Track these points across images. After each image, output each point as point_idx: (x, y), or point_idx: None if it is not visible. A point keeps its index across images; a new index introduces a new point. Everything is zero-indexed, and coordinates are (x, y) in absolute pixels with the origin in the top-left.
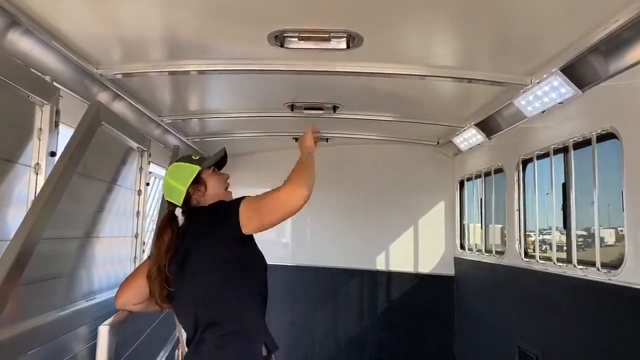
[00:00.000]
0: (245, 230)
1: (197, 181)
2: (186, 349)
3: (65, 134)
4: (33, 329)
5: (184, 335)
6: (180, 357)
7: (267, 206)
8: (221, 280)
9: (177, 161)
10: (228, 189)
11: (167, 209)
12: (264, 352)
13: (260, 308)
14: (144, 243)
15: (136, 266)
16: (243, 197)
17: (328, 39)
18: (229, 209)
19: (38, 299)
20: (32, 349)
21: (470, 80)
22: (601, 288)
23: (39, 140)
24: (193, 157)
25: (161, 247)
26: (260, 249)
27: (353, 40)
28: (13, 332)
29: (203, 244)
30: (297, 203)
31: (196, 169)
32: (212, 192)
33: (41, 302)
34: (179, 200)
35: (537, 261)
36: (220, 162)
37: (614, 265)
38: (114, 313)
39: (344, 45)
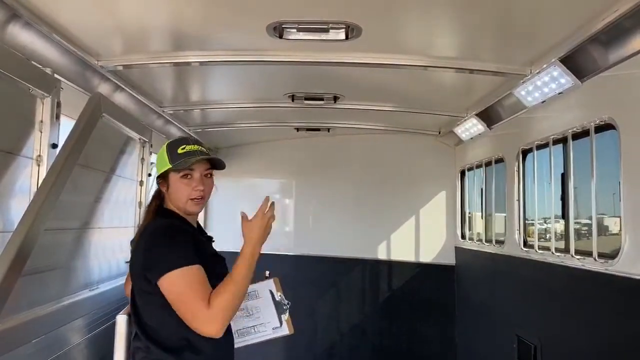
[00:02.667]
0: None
1: (164, 177)
2: None
3: (67, 126)
4: (36, 319)
5: None
6: None
7: (183, 313)
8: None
9: (168, 143)
10: (191, 202)
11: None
12: None
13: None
14: None
15: None
16: (179, 267)
17: (327, 30)
18: (160, 262)
19: (41, 289)
20: (36, 338)
21: (471, 70)
22: (598, 278)
23: (41, 132)
24: (180, 149)
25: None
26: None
27: (352, 31)
28: (17, 322)
29: (134, 258)
30: (200, 332)
31: (166, 166)
32: (172, 197)
33: (44, 292)
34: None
35: (536, 251)
36: (215, 163)
37: (613, 255)
38: (116, 303)
39: (342, 36)
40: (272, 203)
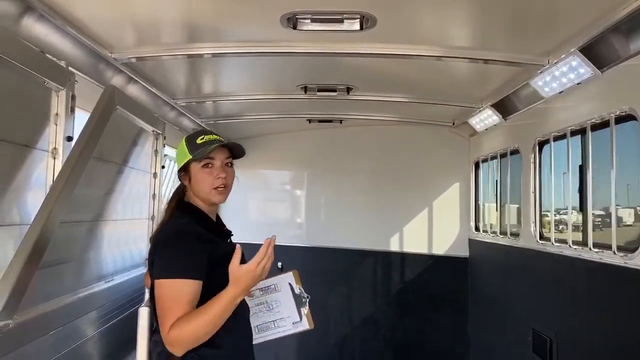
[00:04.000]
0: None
1: (185, 169)
2: None
3: (81, 118)
4: (53, 311)
5: None
6: None
7: (157, 310)
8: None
9: (186, 137)
10: (215, 190)
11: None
12: None
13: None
14: None
15: None
16: (169, 277)
17: (341, 21)
18: (162, 265)
19: (57, 281)
20: (53, 330)
21: (486, 61)
22: (617, 271)
23: (56, 125)
24: (198, 139)
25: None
26: (276, 230)
27: (366, 21)
28: (35, 314)
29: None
30: (168, 346)
31: (187, 157)
32: (195, 188)
33: (60, 284)
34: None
35: (553, 244)
36: (234, 152)
37: (631, 248)
38: (131, 295)
39: (357, 26)
40: (270, 243)
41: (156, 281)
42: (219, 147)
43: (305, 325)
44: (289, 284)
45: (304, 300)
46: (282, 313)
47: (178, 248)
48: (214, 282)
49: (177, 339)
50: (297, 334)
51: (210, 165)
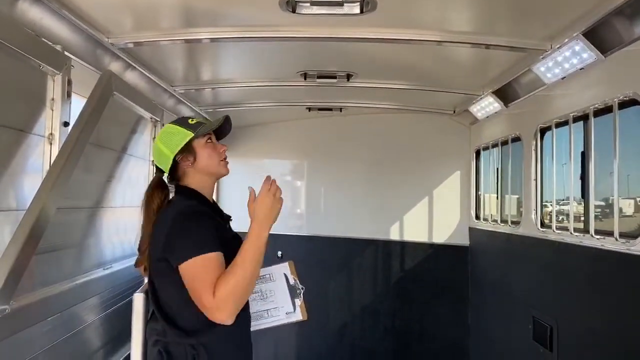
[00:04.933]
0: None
1: (187, 149)
2: None
3: (79, 104)
4: (51, 297)
5: None
6: None
7: (196, 301)
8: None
9: (172, 122)
10: (222, 162)
11: (155, 173)
12: None
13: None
14: None
15: None
16: (194, 256)
17: (341, 4)
18: (178, 249)
19: (55, 267)
20: (51, 316)
21: (488, 46)
22: (618, 258)
23: (52, 110)
24: (190, 120)
25: (149, 217)
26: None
27: (367, 4)
28: (32, 300)
29: (155, 240)
30: (210, 317)
31: (188, 135)
32: (201, 164)
33: (58, 271)
34: (165, 167)
35: (554, 231)
36: (219, 130)
37: (633, 234)
38: (129, 282)
39: (357, 10)
40: (271, 179)
41: (182, 265)
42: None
43: (298, 316)
44: (284, 274)
45: (298, 291)
46: (276, 303)
47: (196, 225)
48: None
49: (224, 299)
50: (291, 324)
51: (210, 140)
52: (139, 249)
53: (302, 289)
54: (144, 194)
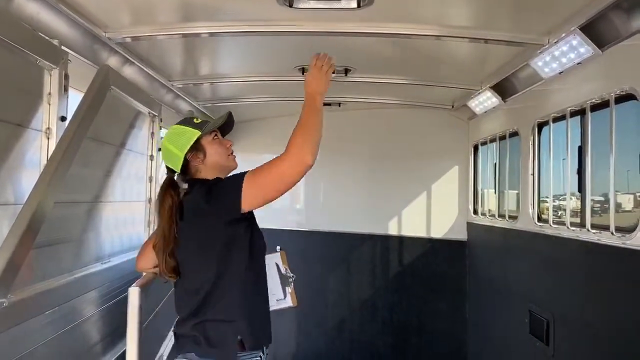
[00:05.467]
0: (247, 207)
1: (196, 147)
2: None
3: (76, 99)
4: (49, 291)
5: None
6: None
7: (271, 182)
8: (214, 264)
9: (178, 123)
10: (231, 156)
11: (167, 174)
12: (239, 346)
13: (254, 295)
14: None
15: (150, 230)
16: (244, 174)
17: None
18: (231, 187)
19: (53, 261)
20: (49, 310)
21: (486, 40)
22: (614, 252)
23: (49, 104)
24: (195, 120)
25: (163, 216)
26: (275, 215)
27: None
28: (30, 294)
29: (198, 222)
30: (301, 174)
31: (195, 134)
32: (211, 160)
33: (56, 265)
34: (176, 166)
35: (551, 225)
36: (224, 127)
37: (630, 229)
38: (128, 276)
39: (354, 4)
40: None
41: (246, 180)
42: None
43: (289, 302)
44: (276, 264)
45: (289, 280)
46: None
47: (226, 179)
48: (242, 235)
49: (300, 145)
50: (282, 310)
51: (217, 136)
52: (153, 247)
53: (293, 277)
54: (158, 194)
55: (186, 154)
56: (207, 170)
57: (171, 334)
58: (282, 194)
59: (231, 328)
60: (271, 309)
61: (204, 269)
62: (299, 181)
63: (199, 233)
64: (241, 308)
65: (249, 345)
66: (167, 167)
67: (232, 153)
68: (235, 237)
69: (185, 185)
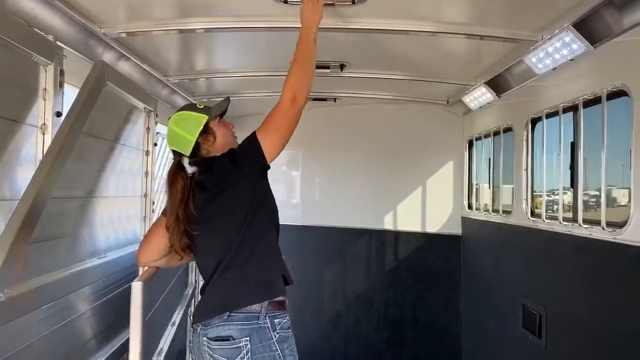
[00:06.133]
0: (270, 155)
1: (206, 130)
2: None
3: (72, 95)
4: (44, 286)
5: (201, 282)
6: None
7: (281, 123)
8: (245, 217)
9: (181, 109)
10: (235, 136)
11: (174, 158)
12: (282, 284)
13: (277, 239)
14: (153, 203)
15: (147, 225)
16: (254, 132)
17: None
18: (249, 145)
19: (49, 256)
20: (45, 305)
21: (481, 36)
22: (606, 247)
23: (45, 100)
24: (198, 105)
25: (175, 197)
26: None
27: None
28: (26, 288)
29: (229, 184)
30: (302, 105)
31: (204, 118)
32: (221, 142)
33: (52, 260)
34: (187, 149)
35: (544, 220)
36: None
37: (621, 224)
38: (124, 271)
39: (349, 0)
40: None
41: (259, 139)
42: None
43: None
44: None
45: None
46: None
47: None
48: (267, 186)
49: (297, 85)
50: None
51: (221, 120)
52: (167, 227)
53: None
54: (167, 176)
55: (198, 137)
56: (216, 151)
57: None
58: (294, 130)
59: (275, 271)
60: None
61: (234, 231)
62: (302, 111)
63: (230, 198)
64: (278, 255)
65: (290, 281)
66: (174, 152)
67: (235, 134)
68: (262, 196)
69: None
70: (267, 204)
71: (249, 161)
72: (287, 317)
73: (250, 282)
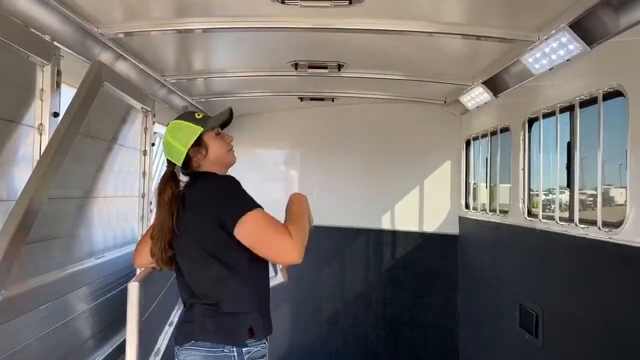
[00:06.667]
0: (236, 236)
1: (199, 143)
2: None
3: (69, 95)
4: (42, 286)
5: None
6: None
7: (269, 249)
8: (219, 256)
9: (179, 118)
10: (231, 151)
11: (167, 167)
12: (248, 334)
13: (260, 286)
14: (151, 203)
15: (144, 225)
16: (252, 206)
17: None
18: (234, 207)
19: (47, 257)
20: (43, 305)
21: (478, 37)
22: (602, 247)
23: (42, 100)
24: (196, 115)
25: (163, 206)
26: (269, 209)
27: None
28: (24, 289)
29: (202, 214)
30: (289, 261)
31: (198, 130)
32: (213, 156)
33: (50, 260)
34: (178, 160)
35: (540, 220)
36: (224, 122)
37: (617, 224)
38: (122, 271)
39: (346, 1)
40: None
41: (241, 221)
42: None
43: (280, 278)
44: None
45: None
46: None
47: (240, 188)
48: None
49: (299, 238)
50: (275, 286)
51: (218, 132)
52: (151, 236)
53: None
54: (157, 186)
55: (189, 149)
56: (208, 164)
57: (168, 327)
58: (264, 258)
59: (243, 319)
60: None
61: (208, 261)
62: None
63: (202, 226)
64: (252, 301)
65: (258, 335)
66: (168, 160)
67: (231, 148)
68: (222, 244)
69: (185, 178)
70: (241, 250)
71: (221, 213)
72: (261, 346)
73: (217, 324)
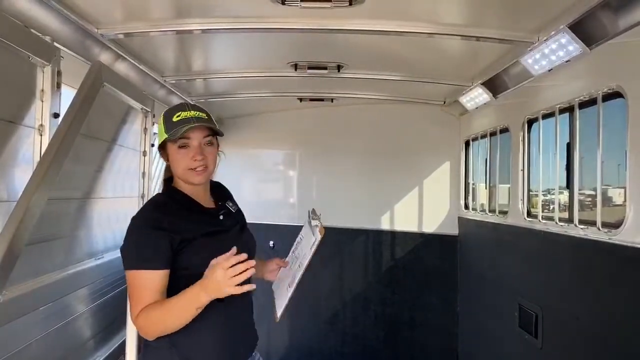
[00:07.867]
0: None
1: (164, 148)
2: None
3: (68, 95)
4: (42, 287)
5: None
6: None
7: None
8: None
9: (164, 112)
10: (191, 171)
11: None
12: None
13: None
14: None
15: None
16: (130, 269)
17: None
18: (122, 258)
19: (47, 258)
20: (42, 306)
21: (477, 38)
22: (601, 247)
23: (42, 101)
24: (175, 117)
25: None
26: (268, 209)
27: None
28: (24, 290)
29: None
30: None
31: (163, 136)
32: (172, 168)
33: (50, 261)
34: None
35: (540, 221)
36: (211, 128)
37: (617, 224)
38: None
39: (346, 1)
40: (236, 253)
41: (125, 272)
42: (197, 126)
43: (318, 237)
44: (308, 222)
45: (317, 216)
46: (304, 250)
47: (136, 238)
48: (192, 259)
49: (143, 327)
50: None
51: (186, 146)
52: None
53: (319, 215)
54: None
55: (158, 148)
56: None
57: None
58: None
59: (173, 354)
60: (308, 259)
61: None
62: None
63: None
64: (181, 333)
65: None
66: None
67: (197, 167)
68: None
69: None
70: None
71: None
72: None
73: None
